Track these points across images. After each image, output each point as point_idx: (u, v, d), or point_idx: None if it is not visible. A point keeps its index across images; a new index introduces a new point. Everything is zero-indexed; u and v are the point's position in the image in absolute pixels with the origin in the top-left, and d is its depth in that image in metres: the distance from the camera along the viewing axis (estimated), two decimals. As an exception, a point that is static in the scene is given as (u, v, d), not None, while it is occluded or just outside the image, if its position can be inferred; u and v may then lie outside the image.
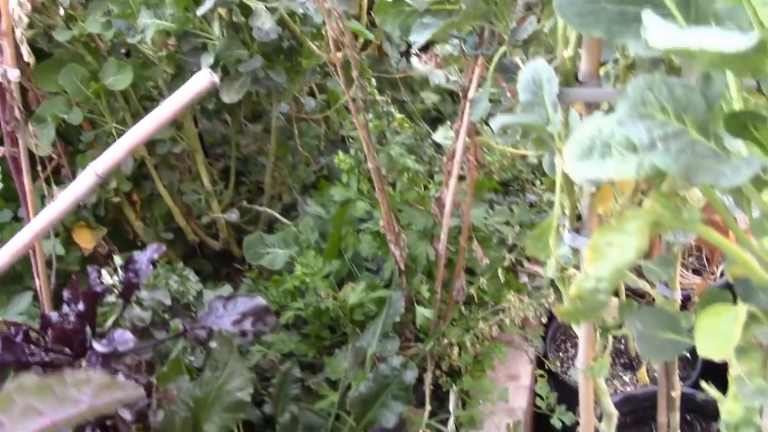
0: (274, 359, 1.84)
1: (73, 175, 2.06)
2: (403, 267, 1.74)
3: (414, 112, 2.62)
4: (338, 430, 1.75)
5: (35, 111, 1.89)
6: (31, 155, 1.82)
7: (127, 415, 1.39)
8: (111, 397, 0.68)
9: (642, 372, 1.89)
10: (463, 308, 1.84)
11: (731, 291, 0.81)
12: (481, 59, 1.57)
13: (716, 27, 0.72)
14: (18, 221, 1.92)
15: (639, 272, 1.63)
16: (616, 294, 1.56)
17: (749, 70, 0.70)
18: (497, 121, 1.02)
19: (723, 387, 0.91)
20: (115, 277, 1.53)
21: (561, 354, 2.24)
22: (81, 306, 1.33)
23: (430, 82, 2.54)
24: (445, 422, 1.81)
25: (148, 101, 2.14)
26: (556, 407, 1.86)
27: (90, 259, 2.02)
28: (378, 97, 1.92)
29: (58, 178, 2.03)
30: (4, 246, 1.23)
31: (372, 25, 2.46)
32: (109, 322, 1.46)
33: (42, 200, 1.85)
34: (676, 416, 1.82)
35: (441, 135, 2.00)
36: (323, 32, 2.02)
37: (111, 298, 1.51)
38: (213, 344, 1.41)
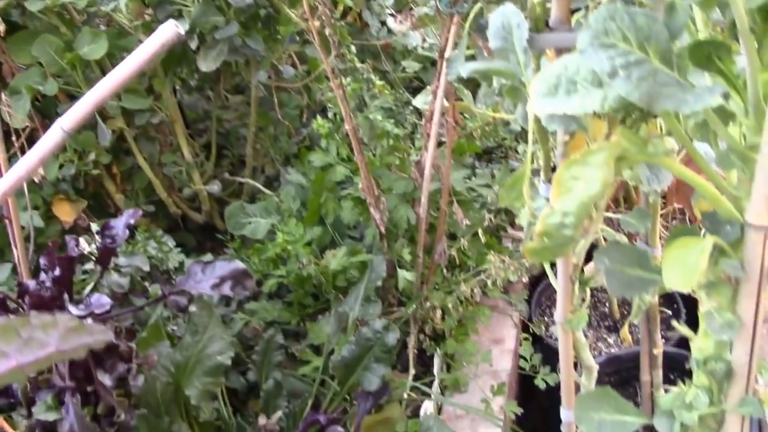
0: (258, 327, 1.83)
1: (51, 149, 2.04)
2: (383, 231, 1.74)
3: (395, 81, 2.61)
4: (322, 396, 1.75)
5: (10, 83, 1.87)
6: (7, 128, 1.80)
7: (107, 381, 1.38)
8: (79, 341, 0.67)
9: (624, 331, 1.90)
10: (445, 272, 1.84)
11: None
12: (457, 18, 1.56)
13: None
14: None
15: (618, 228, 1.63)
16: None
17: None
18: (467, 68, 1.01)
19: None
20: (93, 245, 1.52)
21: (546, 318, 2.25)
22: (57, 272, 1.32)
23: (409, 47, 2.52)
24: (429, 385, 1.82)
25: (126, 73, 2.12)
26: (540, 368, 1.86)
27: (71, 232, 2.01)
28: (358, 65, 1.91)
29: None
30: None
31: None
32: (87, 290, 1.45)
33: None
34: (659, 374, 1.83)
35: (421, 100, 1.99)
36: (300, -2, 2.01)
37: (89, 266, 1.51)
38: (192, 308, 1.40)
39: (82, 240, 1.51)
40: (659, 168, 1.07)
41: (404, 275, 1.73)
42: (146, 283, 1.57)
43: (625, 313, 2.24)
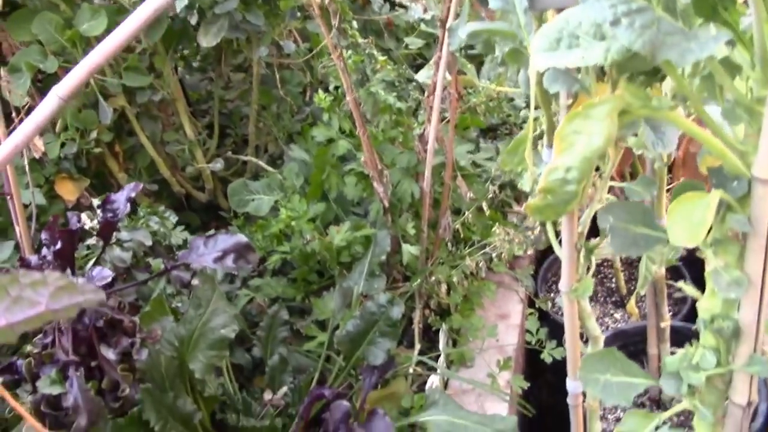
0: (262, 303, 1.83)
1: (53, 127, 2.04)
2: (387, 205, 1.73)
3: (399, 59, 2.59)
4: (328, 371, 1.75)
5: (9, 61, 1.86)
6: (8, 106, 1.79)
7: (111, 356, 1.38)
8: (70, 301, 0.66)
9: (631, 304, 1.89)
10: (450, 247, 1.83)
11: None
12: (459, -13, 1.54)
13: None
14: (-3, 173, 1.90)
15: (623, 198, 1.61)
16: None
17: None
18: (468, 28, 1.00)
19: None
20: (95, 221, 1.51)
21: (552, 294, 2.24)
22: (59, 245, 1.31)
23: (411, 21, 2.50)
24: (435, 360, 1.81)
25: (127, 52, 2.10)
26: (546, 343, 1.85)
27: (74, 210, 2.00)
28: (360, 41, 1.89)
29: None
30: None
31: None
32: (90, 264, 1.44)
33: (22, 153, 1.82)
34: (667, 348, 1.82)
35: (424, 74, 1.97)
36: (301, -28, 1.99)
37: (91, 241, 1.50)
38: (195, 282, 1.40)
39: (83, 215, 1.50)
40: (664, 131, 1.05)
41: (409, 249, 1.72)
42: (149, 259, 1.56)
43: (632, 288, 2.23)
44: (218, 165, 2.21)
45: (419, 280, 1.75)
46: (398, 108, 1.78)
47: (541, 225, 1.84)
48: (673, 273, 2.22)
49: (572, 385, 1.38)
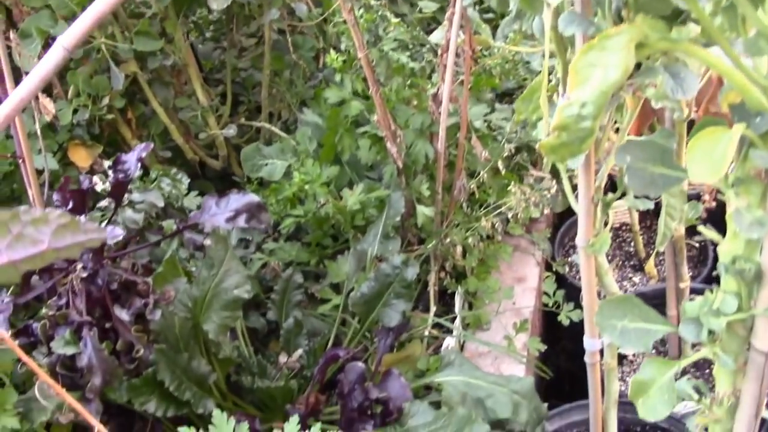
0: (276, 267, 1.82)
1: (65, 94, 2.03)
2: (401, 166, 1.70)
3: (413, 23, 2.55)
4: (343, 335, 1.74)
5: (20, 26, 1.85)
6: (19, 72, 1.78)
7: (124, 316, 1.38)
8: (73, 239, 0.65)
9: (650, 264, 1.86)
10: (465, 208, 1.80)
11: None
12: (472, -61, 1.51)
13: None
14: (8, 138, 1.89)
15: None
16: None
17: None
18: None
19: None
20: (107, 184, 1.50)
21: (569, 258, 2.21)
22: (70, 206, 1.30)
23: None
24: (451, 323, 1.79)
25: (137, 18, 2.08)
26: (563, 305, 1.83)
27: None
28: (372, 2, 1.86)
29: (51, 97, 1.99)
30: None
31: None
32: (102, 225, 1.43)
33: (33, 118, 1.82)
34: (686, 308, 1.79)
35: (437, 35, 1.93)
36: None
37: (104, 204, 1.49)
38: (207, 242, 1.39)
39: (95, 177, 1.49)
40: (683, 77, 1.02)
41: (423, 211, 1.70)
42: (162, 222, 1.55)
43: (651, 252, 2.20)
44: (231, 131, 2.19)
45: (434, 242, 1.74)
46: (411, 68, 1.76)
47: (557, 183, 1.81)
48: (693, 232, 2.19)
49: (590, 342, 1.35)
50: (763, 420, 0.87)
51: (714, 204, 2.02)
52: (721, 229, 0.83)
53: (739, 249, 0.77)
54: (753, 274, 0.76)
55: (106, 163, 1.54)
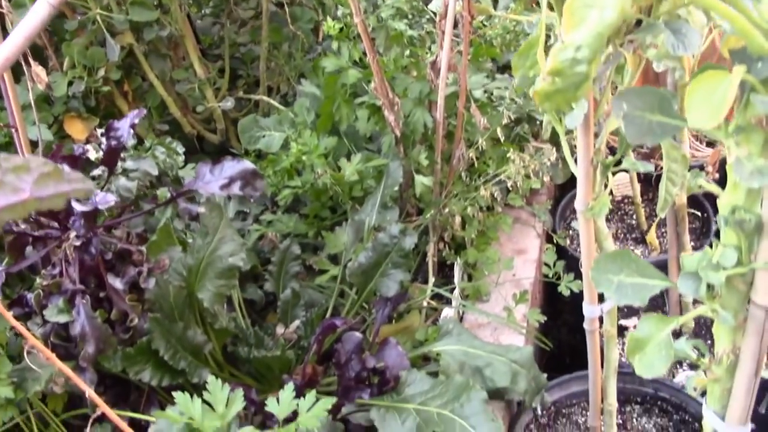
0: (274, 239, 1.80)
1: (60, 66, 2.00)
2: (399, 135, 1.68)
3: (412, -5, 2.52)
4: (341, 306, 1.72)
5: (13, -2, 1.83)
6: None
7: (118, 285, 1.36)
8: (56, 189, 0.63)
9: (651, 234, 1.84)
10: (464, 177, 1.78)
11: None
12: None
13: None
14: (2, 110, 1.87)
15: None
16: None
17: None
18: None
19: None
20: (101, 153, 1.48)
21: (570, 231, 2.19)
22: (61, 171, 1.28)
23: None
24: (450, 294, 1.78)
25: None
26: (564, 276, 1.81)
27: (83, 150, 1.98)
28: (370, -29, 1.83)
29: (47, 69, 1.97)
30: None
31: None
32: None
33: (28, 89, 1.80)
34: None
35: (436, 2, 1.90)
36: None
37: (97, 172, 1.47)
38: (201, 210, 1.37)
39: (89, 146, 1.47)
40: (685, 32, 0.99)
41: (421, 180, 1.68)
42: (157, 192, 1.54)
43: (653, 224, 2.18)
44: (229, 103, 2.17)
45: (433, 213, 1.71)
46: (410, 36, 1.73)
47: (557, 152, 1.78)
48: (694, 203, 2.17)
49: (589, 309, 1.34)
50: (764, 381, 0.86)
51: (717, 176, 2.00)
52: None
53: (739, 200, 0.75)
54: (753, 226, 0.74)
55: (99, 131, 1.51)
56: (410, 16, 1.93)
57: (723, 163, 1.62)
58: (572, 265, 1.95)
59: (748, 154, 0.72)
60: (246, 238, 1.82)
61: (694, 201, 2.10)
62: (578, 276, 1.86)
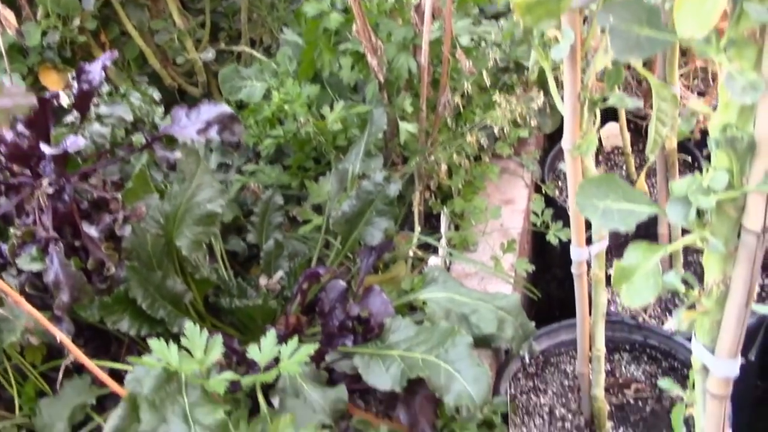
0: (256, 189, 1.76)
1: (34, 16, 1.94)
2: (382, 80, 1.64)
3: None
4: (325, 257, 1.69)
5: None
6: None
7: (93, 233, 1.33)
8: (-3, 104, 0.59)
9: (641, 181, 1.80)
10: (450, 123, 1.74)
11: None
12: None
13: None
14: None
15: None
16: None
17: None
18: None
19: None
20: (72, 98, 1.43)
21: (559, 183, 2.16)
22: (31, 114, 1.24)
23: None
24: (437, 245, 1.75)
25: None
26: (552, 224, 1.78)
27: (60, 102, 1.92)
28: None
29: (20, 19, 1.92)
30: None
31: None
32: (68, 139, 1.37)
33: None
34: (678, 228, 1.74)
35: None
36: None
37: (70, 118, 1.43)
38: (178, 155, 1.33)
39: (60, 92, 1.42)
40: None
41: (406, 127, 1.64)
42: (132, 138, 1.49)
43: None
44: (210, 54, 2.12)
45: (418, 160, 1.68)
46: (393, -22, 1.67)
47: (544, 92, 1.74)
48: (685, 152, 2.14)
49: (576, 251, 1.31)
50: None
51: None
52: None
53: (731, 119, 0.72)
54: (746, 145, 0.70)
55: (70, 75, 1.46)
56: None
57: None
58: (561, 216, 1.93)
59: (740, 69, 0.69)
60: (228, 189, 1.78)
61: (684, 149, 2.06)
62: (567, 225, 1.83)
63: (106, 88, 1.52)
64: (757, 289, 1.36)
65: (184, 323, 1.37)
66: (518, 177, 2.01)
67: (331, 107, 1.81)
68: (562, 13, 0.90)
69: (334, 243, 1.66)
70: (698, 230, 0.78)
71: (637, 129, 2.27)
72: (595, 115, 1.17)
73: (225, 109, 1.34)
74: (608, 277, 1.84)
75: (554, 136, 2.22)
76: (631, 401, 1.61)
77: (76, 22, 1.92)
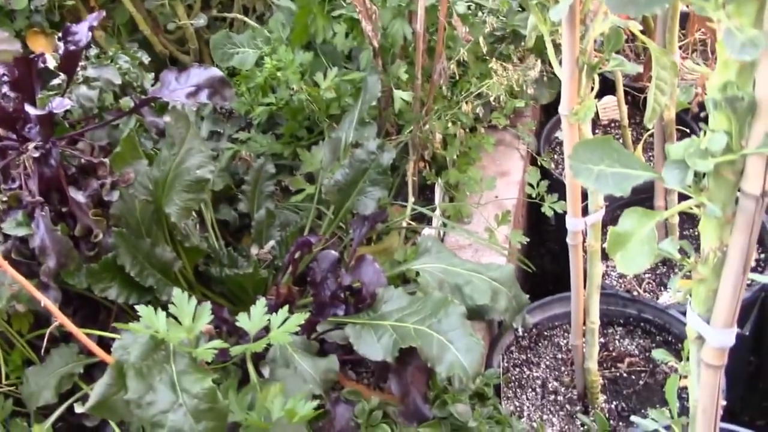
0: (248, 158, 1.74)
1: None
2: (377, 46, 1.60)
3: None
4: (318, 227, 1.67)
5: None
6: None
7: (80, 198, 1.30)
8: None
9: (638, 151, 1.78)
10: (446, 91, 1.71)
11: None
12: None
13: None
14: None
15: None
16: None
17: None
18: None
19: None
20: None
21: (555, 155, 2.13)
22: (16, 75, 1.21)
23: None
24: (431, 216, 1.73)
25: None
26: (547, 197, 1.76)
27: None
28: None
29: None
30: None
31: None
32: (54, 103, 1.34)
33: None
34: (674, 198, 1.73)
35: None
36: None
37: (56, 81, 1.40)
38: (167, 119, 1.30)
39: (47, 55, 1.39)
40: None
41: (401, 95, 1.61)
42: (120, 103, 1.46)
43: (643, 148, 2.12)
44: (201, 21, 2.08)
45: (412, 129, 1.65)
46: (389, -57, 1.64)
47: (541, 61, 1.71)
48: (683, 124, 2.11)
49: (572, 222, 1.29)
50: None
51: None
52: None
53: (730, 78, 0.69)
54: (746, 105, 0.68)
55: (57, 37, 1.43)
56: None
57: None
58: (556, 189, 1.90)
59: (739, 26, 0.66)
60: (219, 158, 1.75)
61: (681, 122, 2.03)
62: (562, 198, 1.81)
63: (94, 51, 1.49)
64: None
65: (173, 292, 1.35)
66: (514, 149, 1.99)
67: (325, 75, 1.78)
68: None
69: (326, 213, 1.63)
70: (696, 195, 0.76)
71: (635, 102, 2.24)
72: (593, 81, 1.15)
73: (215, 72, 1.31)
74: (603, 251, 1.83)
75: (551, 108, 2.19)
76: (625, 374, 1.60)
77: (65, -15, 1.88)
